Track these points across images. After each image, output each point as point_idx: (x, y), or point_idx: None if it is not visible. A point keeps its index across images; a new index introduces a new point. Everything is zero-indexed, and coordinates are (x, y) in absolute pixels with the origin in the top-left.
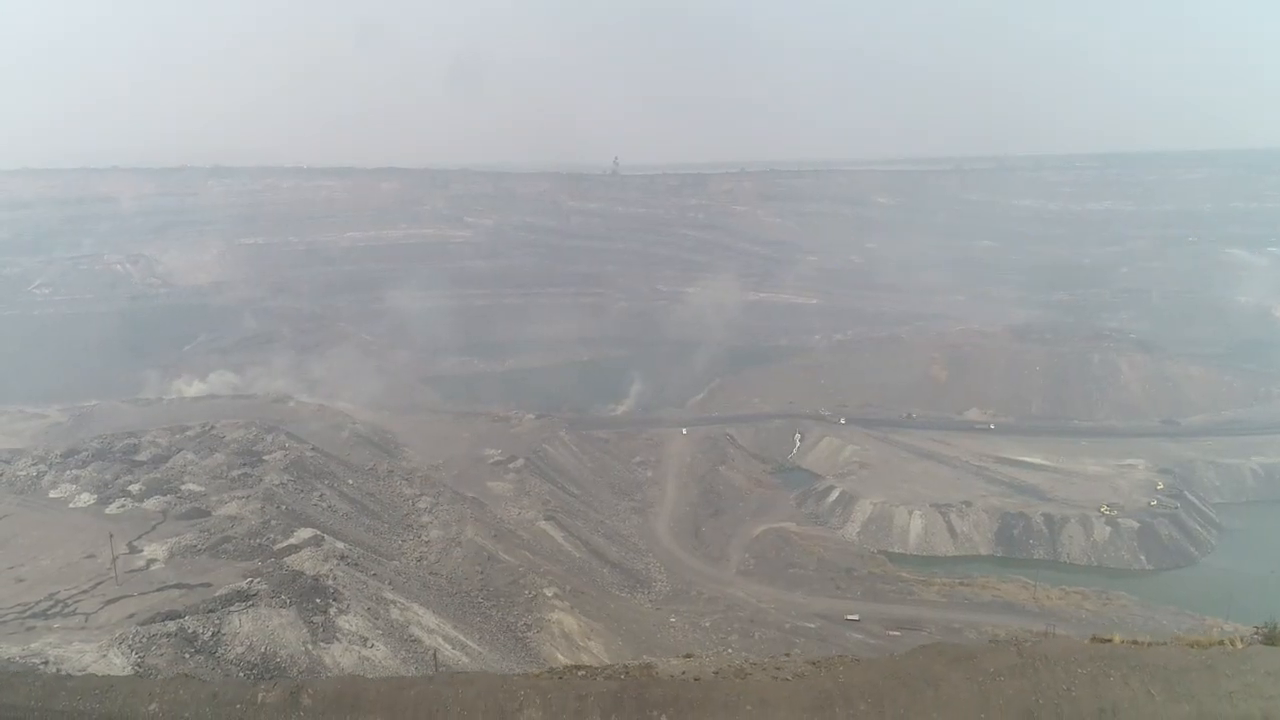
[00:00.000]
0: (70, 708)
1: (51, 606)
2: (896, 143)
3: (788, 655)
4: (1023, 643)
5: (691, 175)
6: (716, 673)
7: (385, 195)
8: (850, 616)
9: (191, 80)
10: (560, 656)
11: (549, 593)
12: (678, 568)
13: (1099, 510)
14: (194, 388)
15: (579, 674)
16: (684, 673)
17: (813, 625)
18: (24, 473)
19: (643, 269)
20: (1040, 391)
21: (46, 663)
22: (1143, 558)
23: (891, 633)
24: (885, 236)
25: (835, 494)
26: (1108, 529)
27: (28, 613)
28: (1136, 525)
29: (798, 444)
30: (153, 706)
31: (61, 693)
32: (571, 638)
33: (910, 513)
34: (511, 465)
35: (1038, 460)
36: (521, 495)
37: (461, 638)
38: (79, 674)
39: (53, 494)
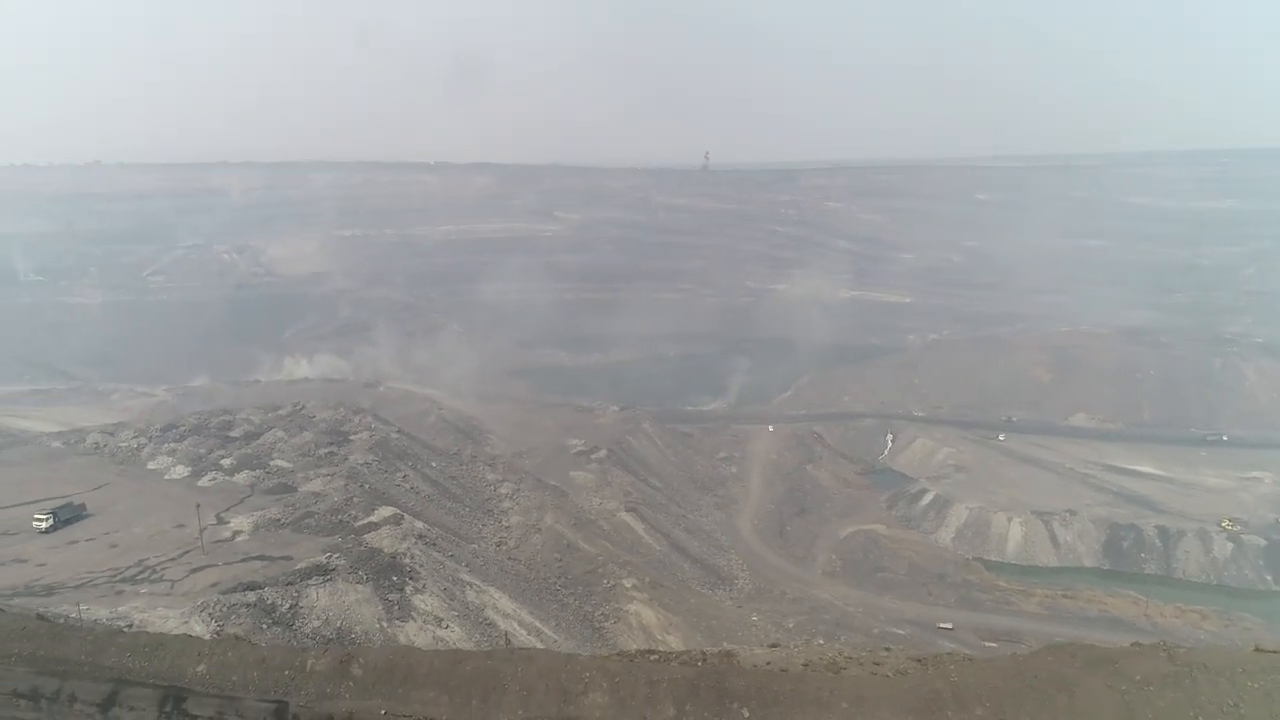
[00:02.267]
0: (118, 663)
1: (140, 572)
2: (998, 139)
3: (888, 650)
4: (1174, 648)
5: (783, 171)
6: (806, 665)
7: (478, 190)
8: (943, 625)
9: (296, 81)
10: (637, 649)
11: (628, 584)
12: (761, 566)
13: (1220, 524)
14: (291, 371)
15: (651, 658)
16: (769, 663)
17: (903, 632)
18: (125, 444)
19: (731, 265)
20: (1154, 397)
21: (131, 626)
22: (1269, 577)
23: (988, 644)
24: (985, 234)
25: (928, 497)
26: (1229, 545)
27: (118, 577)
28: (1263, 543)
29: (889, 444)
30: (200, 667)
31: (111, 648)
32: (649, 630)
33: (1009, 519)
34: (594, 456)
35: (1150, 469)
36: (603, 486)
37: (537, 624)
38: (128, 629)
39: (150, 465)
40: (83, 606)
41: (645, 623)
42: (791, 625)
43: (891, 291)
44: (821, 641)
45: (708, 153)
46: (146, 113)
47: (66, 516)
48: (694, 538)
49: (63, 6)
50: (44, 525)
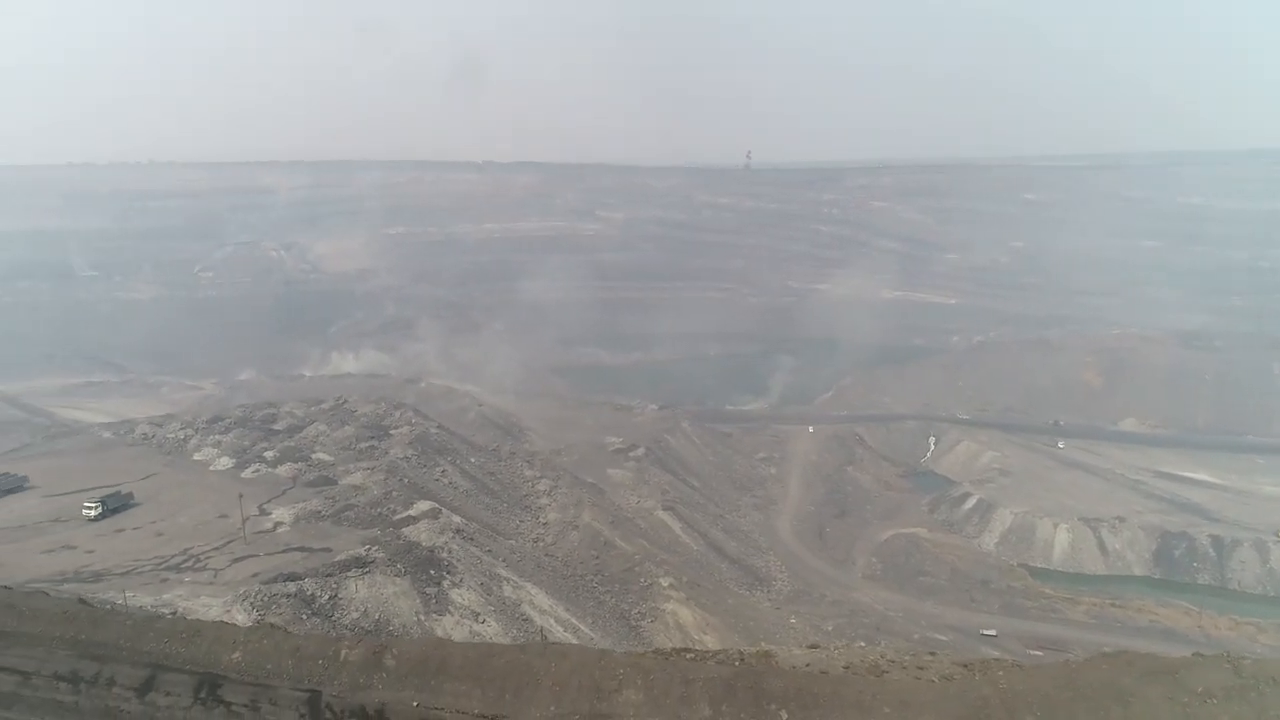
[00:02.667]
0: (156, 649)
1: (185, 561)
2: (1047, 139)
3: (932, 655)
4: (1239, 660)
5: (826, 170)
6: (847, 668)
7: (521, 189)
8: (987, 631)
9: (341, 80)
10: (673, 648)
11: (665, 583)
12: (799, 568)
13: (1277, 534)
14: (336, 366)
15: (687, 657)
16: (808, 665)
17: (945, 638)
18: (172, 436)
19: (773, 265)
20: (1209, 402)
21: (175, 613)
22: None
23: (1033, 652)
24: (1034, 234)
25: (972, 501)
26: None
27: (163, 565)
28: None
29: (932, 447)
30: (236, 655)
31: (150, 633)
32: (686, 630)
33: (1055, 525)
34: (632, 454)
35: (1204, 477)
36: (640, 484)
37: (574, 620)
38: (168, 615)
39: (196, 456)
40: (128, 593)
41: (682, 622)
42: (831, 628)
43: (936, 292)
44: (862, 645)
45: (749, 152)
46: (197, 112)
47: (115, 505)
48: (732, 538)
49: (104, 6)
50: (93, 513)
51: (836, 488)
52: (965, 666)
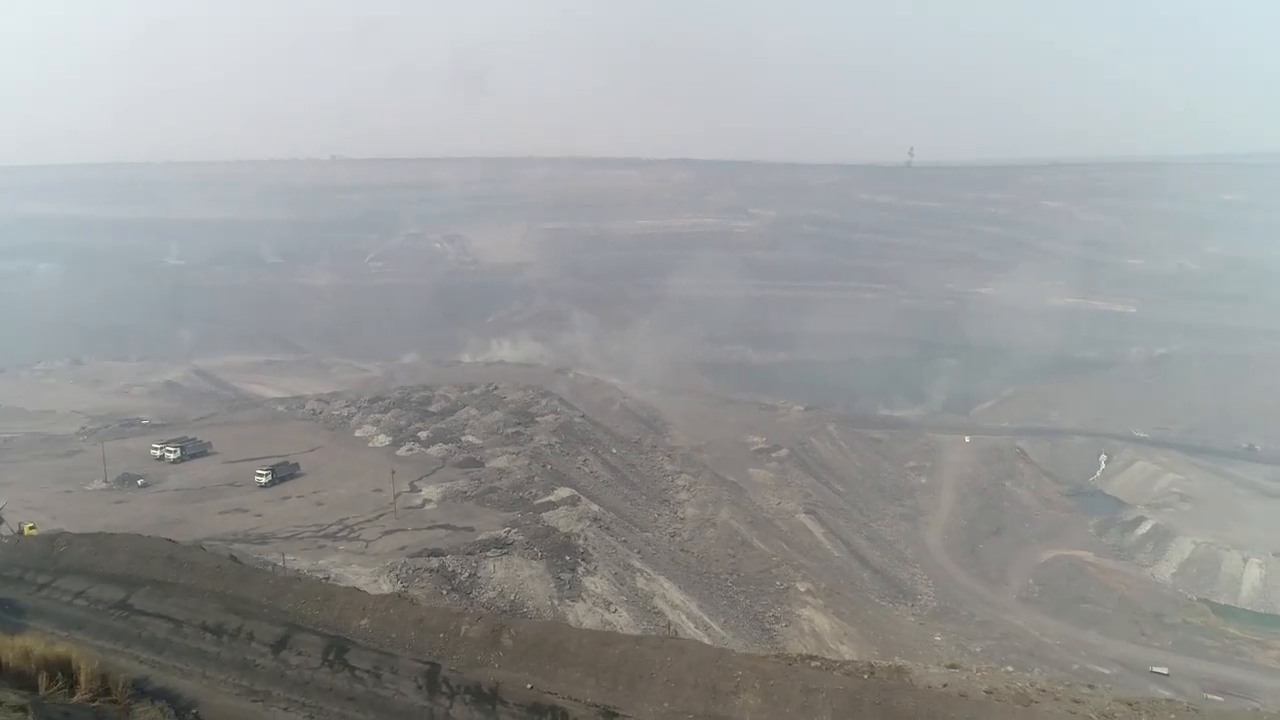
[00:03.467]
0: (293, 609)
1: (341, 530)
2: (1250, 132)
3: (1091, 688)
4: None
5: (996, 168)
6: (989, 692)
7: (676, 185)
8: (1157, 669)
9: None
10: (798, 654)
11: (802, 587)
12: (947, 584)
13: None
14: (491, 354)
15: (812, 664)
16: (945, 685)
17: (1108, 671)
18: (337, 413)
19: (932, 266)
20: None
21: (328, 578)
22: None
23: (1212, 696)
24: (1230, 239)
25: (1146, 526)
26: None
27: (321, 533)
28: None
29: (1102, 465)
30: (364, 621)
31: (289, 594)
32: (822, 637)
33: (1245, 559)
34: (775, 454)
35: None
36: (782, 485)
37: (705, 618)
38: (318, 578)
39: (357, 433)
40: (289, 557)
41: (817, 629)
42: (979, 650)
43: (1114, 300)
44: (1009, 669)
45: (912, 149)
46: (377, 115)
47: (283, 474)
48: (876, 547)
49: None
50: (264, 480)
51: (993, 503)
52: (1130, 705)
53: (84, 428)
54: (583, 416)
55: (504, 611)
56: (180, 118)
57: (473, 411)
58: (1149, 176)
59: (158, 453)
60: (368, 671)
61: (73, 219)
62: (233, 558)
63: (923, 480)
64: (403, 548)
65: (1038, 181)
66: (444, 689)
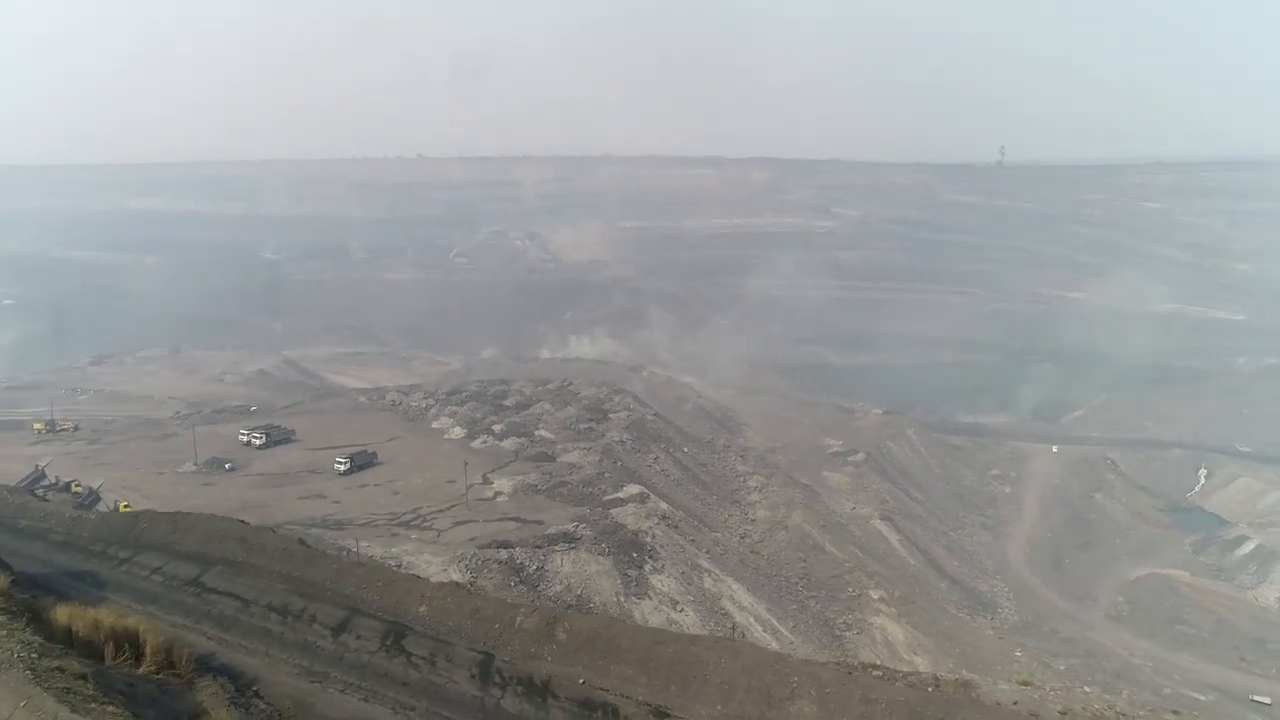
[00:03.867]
0: (354, 594)
1: (414, 519)
2: None
3: (1176, 714)
4: None
5: (1093, 167)
6: (1064, 713)
7: (755, 184)
8: (1259, 698)
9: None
10: (860, 662)
11: (875, 595)
12: (1030, 598)
13: None
14: (568, 351)
15: (874, 673)
16: (1015, 703)
17: (1203, 698)
18: (416, 404)
19: (1023, 269)
20: None
21: (400, 566)
22: None
23: None
24: None
25: (1249, 546)
26: None
27: (395, 521)
28: None
29: (1201, 481)
30: (422, 608)
31: (351, 578)
32: (894, 647)
33: None
34: (851, 458)
35: None
36: (858, 490)
37: (774, 621)
38: (371, 562)
39: (434, 424)
40: (363, 544)
41: (890, 638)
42: (1062, 668)
43: (1219, 306)
44: (1088, 690)
45: (1003, 147)
46: (463, 112)
47: (361, 462)
48: (954, 556)
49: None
50: (343, 468)
51: (1080, 516)
52: None
53: (178, 412)
54: (655, 414)
55: (569, 606)
56: (278, 119)
57: (547, 406)
58: (1257, 176)
59: (245, 438)
60: (423, 658)
61: (180, 214)
62: (301, 541)
63: (1006, 490)
64: (473, 539)
65: (1137, 181)
66: (497, 679)
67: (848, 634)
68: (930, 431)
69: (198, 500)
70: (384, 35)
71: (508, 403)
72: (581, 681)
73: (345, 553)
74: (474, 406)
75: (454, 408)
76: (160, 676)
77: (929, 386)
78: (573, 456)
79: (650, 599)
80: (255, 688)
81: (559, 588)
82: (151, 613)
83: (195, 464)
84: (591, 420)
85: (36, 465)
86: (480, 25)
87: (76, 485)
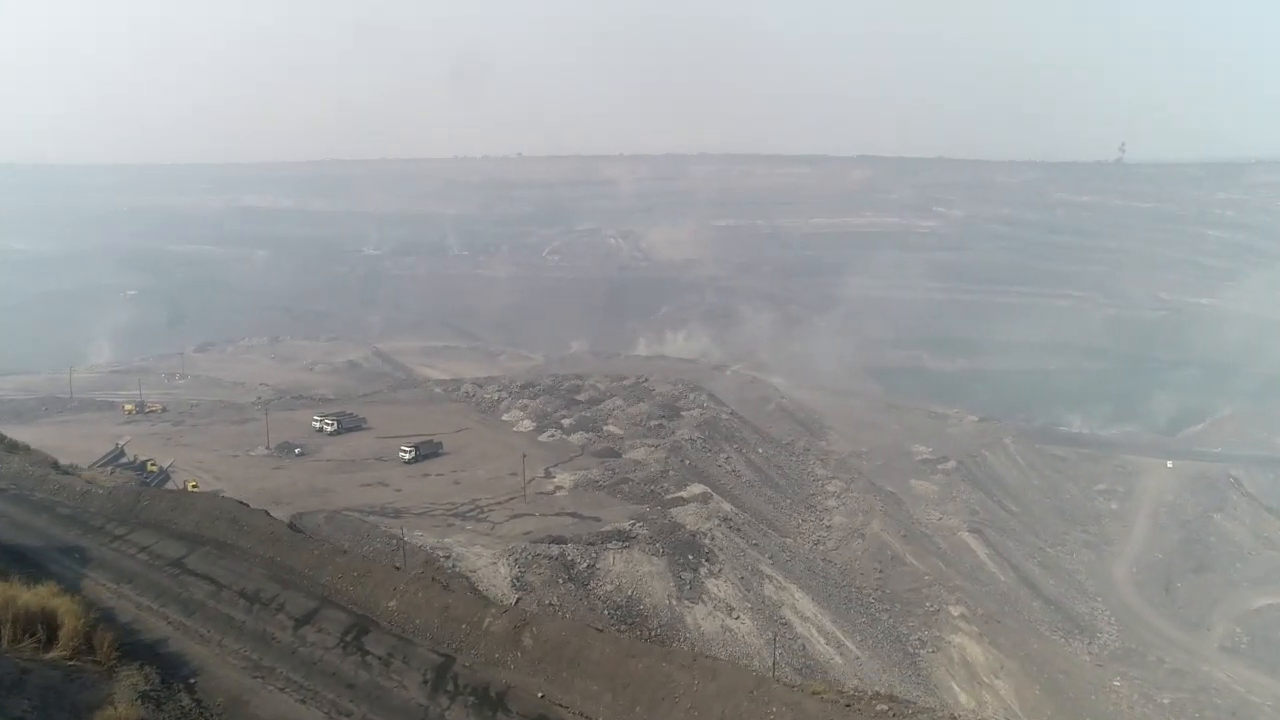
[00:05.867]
0: (329, 584)
1: (471, 510)
2: None
3: None
4: None
5: (1223, 165)
6: None
7: (853, 182)
8: None
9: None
10: (956, 688)
11: (955, 611)
12: (1134, 623)
13: None
14: (657, 349)
15: (877, 707)
16: None
17: None
18: (488, 396)
19: (1141, 272)
20: None
21: (449, 557)
22: None
23: None
24: None
25: None
26: None
27: (452, 512)
28: None
29: None
30: (392, 603)
31: (329, 567)
32: (974, 669)
33: None
34: (941, 466)
35: None
36: (946, 500)
37: (839, 635)
38: (351, 551)
39: (504, 417)
40: (416, 533)
41: (969, 658)
42: (1167, 701)
43: None
44: None
45: (1123, 144)
46: (556, 109)
47: (426, 452)
48: (1050, 574)
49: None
50: (407, 456)
51: (1196, 537)
52: None
53: (259, 398)
54: (731, 413)
55: (619, 607)
56: (388, 119)
57: (619, 402)
58: None
59: (317, 425)
60: (379, 658)
61: (285, 211)
62: (291, 525)
63: (1113, 506)
64: (527, 532)
65: (1273, 180)
66: (449, 687)
67: (921, 652)
68: (1030, 441)
69: (264, 483)
70: (468, 37)
71: (580, 397)
72: (540, 695)
73: (394, 541)
74: (546, 400)
75: (526, 400)
76: (73, 663)
77: (1031, 394)
78: (639, 453)
79: (704, 604)
80: (193, 680)
81: (609, 587)
82: (124, 593)
83: (267, 448)
84: (663, 417)
85: (116, 443)
86: (553, 24)
87: (152, 464)
